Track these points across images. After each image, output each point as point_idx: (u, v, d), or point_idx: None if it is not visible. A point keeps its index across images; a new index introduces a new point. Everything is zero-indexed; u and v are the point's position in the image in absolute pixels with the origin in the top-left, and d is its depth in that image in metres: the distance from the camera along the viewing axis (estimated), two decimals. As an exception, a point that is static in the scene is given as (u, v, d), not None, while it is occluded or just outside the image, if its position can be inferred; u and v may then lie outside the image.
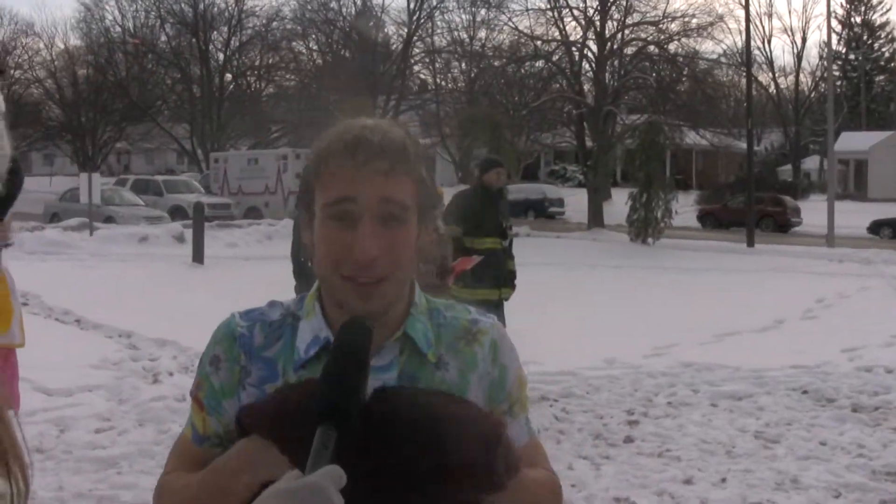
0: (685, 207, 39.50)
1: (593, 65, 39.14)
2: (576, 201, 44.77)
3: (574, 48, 39.59)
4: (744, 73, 37.86)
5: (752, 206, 32.20)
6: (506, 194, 9.37)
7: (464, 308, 1.82)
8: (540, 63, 41.76)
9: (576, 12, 39.98)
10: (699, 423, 8.15)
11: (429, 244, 1.72)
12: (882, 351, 11.13)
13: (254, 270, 18.53)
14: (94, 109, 58.66)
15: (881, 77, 75.89)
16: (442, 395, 1.66)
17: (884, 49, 75.46)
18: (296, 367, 1.68)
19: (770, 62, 71.74)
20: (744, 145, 37.21)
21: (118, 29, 64.27)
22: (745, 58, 37.23)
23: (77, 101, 58.83)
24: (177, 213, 34.12)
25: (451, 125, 49.69)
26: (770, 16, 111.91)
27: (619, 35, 39.09)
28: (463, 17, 61.45)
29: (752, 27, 36.53)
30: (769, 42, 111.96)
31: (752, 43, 40.06)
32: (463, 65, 59.62)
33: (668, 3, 43.31)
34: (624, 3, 38.70)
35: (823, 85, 60.06)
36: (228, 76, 63.36)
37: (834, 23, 63.86)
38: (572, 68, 39.31)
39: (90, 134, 59.37)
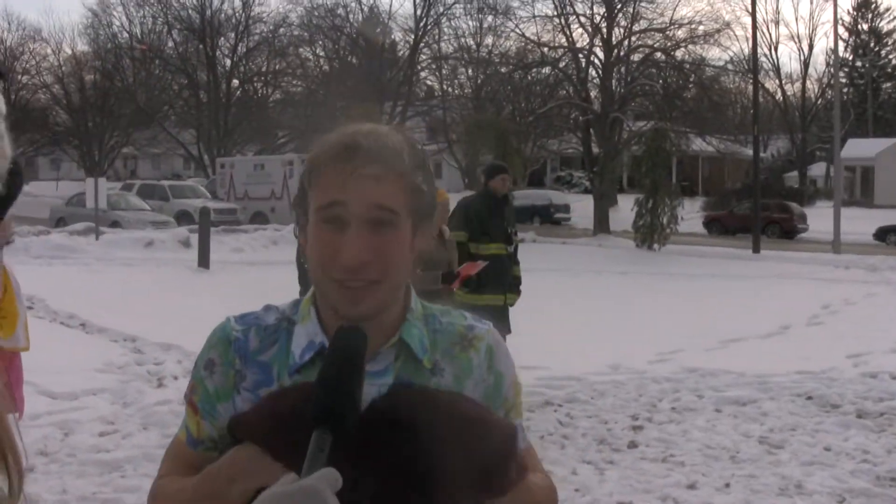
0: (691, 214, 39.49)
1: (600, 71, 39.15)
2: (582, 207, 44.74)
3: (581, 55, 39.62)
4: (750, 80, 37.78)
5: (758, 213, 32.15)
6: (511, 200, 9.38)
7: (459, 314, 1.81)
8: (546, 70, 41.85)
9: (582, 19, 40.10)
10: (703, 428, 8.13)
11: (426, 250, 1.72)
12: (887, 357, 11.10)
13: (259, 275, 18.54)
14: (101, 115, 58.77)
15: (888, 84, 75.74)
16: (461, 398, 1.67)
17: (891, 56, 75.35)
18: (291, 372, 1.67)
19: (777, 69, 71.83)
20: (750, 152, 37.17)
21: (125, 35, 64.66)
22: (751, 65, 37.22)
23: (84, 107, 58.95)
24: (183, 218, 34.10)
25: (457, 131, 49.81)
26: (777, 23, 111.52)
27: (626, 42, 39.13)
28: (470, 23, 61.49)
29: (758, 34, 36.60)
30: (776, 49, 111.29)
31: (759, 50, 40.21)
32: (469, 71, 59.73)
33: (674, 11, 43.27)
34: (631, 10, 38.80)
35: (830, 92, 59.89)
36: (235, 82, 63.52)
37: (841, 30, 64.01)
38: (579, 75, 39.31)
39: (97, 139, 59.46)
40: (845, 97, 64.34)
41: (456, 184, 53.63)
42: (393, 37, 62.82)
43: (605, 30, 38.91)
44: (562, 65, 40.09)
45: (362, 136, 1.63)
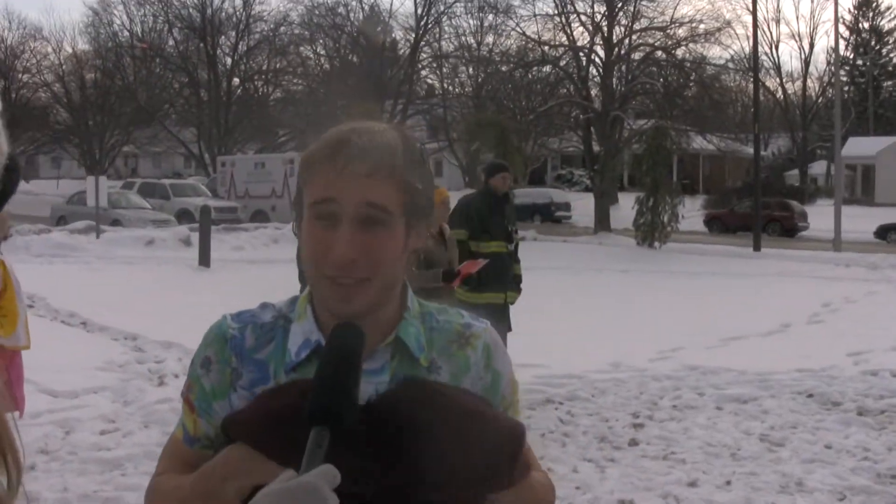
0: (692, 212, 39.47)
1: (600, 70, 39.15)
2: (582, 205, 44.77)
3: (581, 53, 39.62)
4: (751, 79, 37.76)
5: (759, 211, 32.15)
6: (512, 198, 9.38)
7: (457, 312, 1.80)
8: (547, 68, 41.83)
9: (583, 17, 40.11)
10: (704, 426, 8.13)
11: (423, 249, 1.72)
12: (888, 355, 11.10)
13: (260, 274, 18.54)
14: (101, 113, 58.85)
15: (889, 82, 75.73)
16: (472, 394, 1.67)
17: (892, 54, 75.32)
18: (287, 370, 1.66)
19: (777, 67, 71.75)
20: (751, 150, 37.17)
21: (126, 33, 64.63)
22: (752, 63, 37.19)
23: (85, 105, 59.02)
24: (183, 216, 34.12)
25: (458, 130, 49.75)
26: (778, 21, 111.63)
27: (627, 40, 39.13)
28: (470, 22, 61.66)
29: (759, 33, 36.66)
30: (777, 47, 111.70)
31: (760, 48, 40.25)
32: (470, 69, 59.72)
33: (675, 9, 43.16)
34: (631, 9, 38.81)
35: (831, 90, 59.81)
36: (236, 80, 63.54)
37: (842, 28, 64.01)
38: (579, 73, 39.31)
39: (97, 137, 59.53)
40: (846, 95, 64.37)
41: (456, 182, 53.69)
42: (394, 35, 62.85)
43: (605, 28, 38.92)
44: (562, 63, 40.10)
45: (355, 133, 1.63)
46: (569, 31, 40.55)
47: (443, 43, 59.91)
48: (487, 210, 8.44)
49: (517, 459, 1.63)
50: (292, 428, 1.45)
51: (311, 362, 1.63)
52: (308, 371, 1.59)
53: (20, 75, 62.26)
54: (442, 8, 57.41)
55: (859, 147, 59.67)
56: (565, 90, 41.48)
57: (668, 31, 38.82)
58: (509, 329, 8.08)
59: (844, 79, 66.43)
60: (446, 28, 59.19)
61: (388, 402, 1.59)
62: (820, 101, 71.14)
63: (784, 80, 71.98)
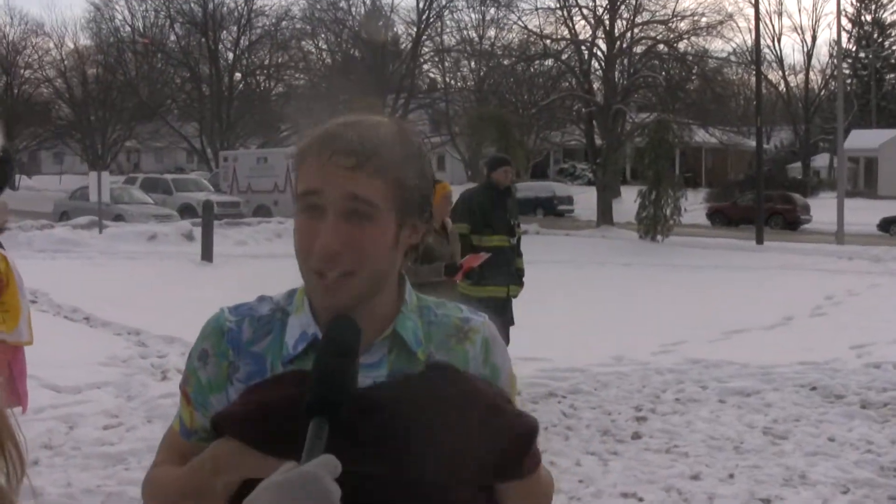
0: (694, 205, 39.43)
1: (603, 63, 39.09)
2: (585, 199, 44.73)
3: (583, 47, 39.55)
4: (753, 72, 37.70)
5: (762, 204, 32.09)
6: (514, 192, 9.38)
7: (455, 306, 1.80)
8: (549, 62, 41.77)
9: (585, 11, 39.99)
10: (707, 419, 8.14)
11: (418, 244, 1.71)
12: (891, 348, 11.08)
13: (263, 268, 18.53)
14: (103, 108, 58.86)
15: (891, 75, 75.64)
16: (488, 384, 1.67)
17: (894, 47, 75.19)
18: (284, 363, 1.66)
19: (780, 60, 71.73)
20: (753, 143, 37.09)
21: (128, 28, 64.64)
22: (754, 56, 37.12)
23: (87, 101, 59.01)
24: (186, 211, 34.15)
25: (460, 124, 49.76)
26: (780, 14, 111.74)
27: (629, 34, 39.05)
28: (472, 16, 61.52)
29: (761, 25, 36.63)
30: (779, 40, 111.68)
31: (762, 41, 40.19)
32: (472, 64, 59.62)
33: (677, 2, 43.27)
34: (633, 2, 38.71)
35: (833, 83, 59.82)
36: (238, 75, 63.46)
37: (844, 21, 63.85)
38: (581, 67, 39.26)
39: (100, 133, 59.55)
40: (849, 88, 64.22)
41: (459, 176, 53.69)
42: (395, 30, 62.76)
43: (607, 22, 38.83)
44: (564, 57, 40.02)
45: (345, 126, 1.63)
46: (571, 25, 40.50)
47: (445, 37, 59.93)
48: (490, 204, 8.44)
49: (529, 450, 1.64)
50: (289, 419, 1.46)
51: (308, 355, 1.62)
52: (305, 364, 1.59)
53: (22, 71, 62.29)
54: (444, 2, 57.36)
55: (862, 140, 59.60)
56: (567, 84, 41.46)
57: (670, 24, 38.74)
58: (512, 323, 8.08)
59: (847, 71, 66.26)
60: (448, 22, 59.22)
61: (378, 395, 1.59)
62: (822, 93, 71.13)
63: (786, 73, 72.08)
